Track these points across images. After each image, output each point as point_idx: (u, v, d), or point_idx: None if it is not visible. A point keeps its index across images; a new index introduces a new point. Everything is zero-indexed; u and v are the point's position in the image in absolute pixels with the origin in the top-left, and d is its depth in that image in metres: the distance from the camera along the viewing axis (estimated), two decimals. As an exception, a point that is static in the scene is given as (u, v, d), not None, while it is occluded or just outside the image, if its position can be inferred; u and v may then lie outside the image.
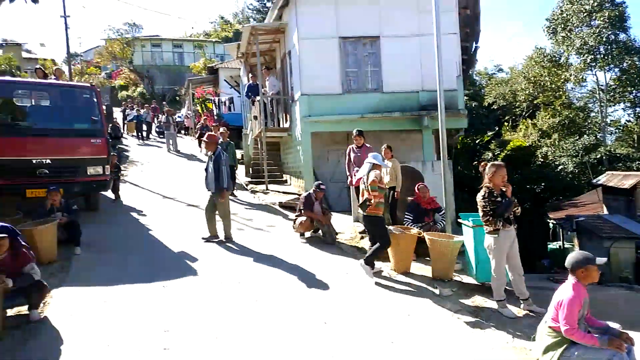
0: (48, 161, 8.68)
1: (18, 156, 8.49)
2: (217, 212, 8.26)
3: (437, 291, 6.14)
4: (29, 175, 8.53)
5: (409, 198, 8.27)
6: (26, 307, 5.12)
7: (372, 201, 6.33)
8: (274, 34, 14.01)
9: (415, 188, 8.03)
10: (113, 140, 11.56)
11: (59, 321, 5.03)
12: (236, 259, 7.34)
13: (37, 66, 13.12)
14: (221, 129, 11.46)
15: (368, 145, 8.77)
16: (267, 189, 13.01)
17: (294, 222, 8.60)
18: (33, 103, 9.53)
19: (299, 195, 10.76)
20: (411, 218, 7.83)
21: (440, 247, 6.61)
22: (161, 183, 14.02)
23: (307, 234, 8.65)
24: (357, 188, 8.55)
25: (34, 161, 8.59)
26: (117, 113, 26.52)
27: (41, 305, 5.29)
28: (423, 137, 11.85)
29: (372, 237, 6.74)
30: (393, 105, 11.89)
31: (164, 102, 31.79)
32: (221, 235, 8.33)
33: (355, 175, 8.60)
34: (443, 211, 7.76)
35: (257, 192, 12.69)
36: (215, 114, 23.66)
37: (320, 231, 8.64)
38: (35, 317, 5.05)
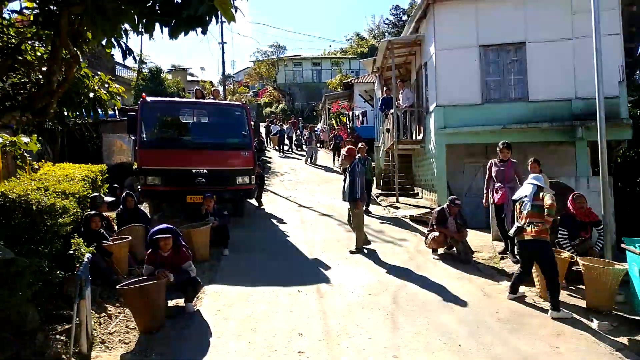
0: (205, 171, 9.62)
1: (181, 166, 9.57)
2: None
3: (593, 324, 5.39)
4: (189, 183, 9.53)
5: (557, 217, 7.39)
6: (183, 300, 5.69)
7: (540, 224, 5.70)
8: (410, 47, 13.93)
9: (570, 198, 7.04)
10: (257, 152, 12.54)
11: (209, 315, 5.54)
12: (367, 270, 7.34)
13: (197, 87, 14.87)
14: (359, 145, 11.63)
15: (513, 159, 8.03)
16: (397, 202, 12.82)
17: (426, 237, 8.34)
18: (194, 120, 10.76)
19: (432, 209, 10.45)
20: (566, 234, 6.94)
21: (598, 275, 5.80)
22: (298, 193, 14.76)
23: (440, 251, 8.33)
24: (500, 206, 7.86)
25: (194, 171, 9.60)
26: (261, 128, 28.74)
27: (195, 299, 5.86)
28: (576, 150, 10.65)
29: (525, 263, 6.00)
30: (540, 115, 10.92)
31: (300, 118, 33.59)
32: (353, 245, 8.41)
33: (497, 193, 7.85)
34: (601, 226, 6.77)
35: (388, 205, 12.53)
36: (348, 127, 24.27)
37: (454, 248, 8.21)
38: (190, 309, 5.61)
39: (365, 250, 8.36)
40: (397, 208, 12.12)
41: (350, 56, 45.90)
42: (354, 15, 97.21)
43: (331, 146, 21.76)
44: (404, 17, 44.15)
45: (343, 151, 9.10)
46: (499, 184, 7.80)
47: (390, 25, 48.10)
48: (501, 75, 11.41)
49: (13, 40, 5.38)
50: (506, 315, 5.65)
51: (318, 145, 26.93)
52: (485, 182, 8.19)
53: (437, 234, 8.09)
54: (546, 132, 10.85)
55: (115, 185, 10.42)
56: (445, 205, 8.34)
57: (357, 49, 47.31)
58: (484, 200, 8.21)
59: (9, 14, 5.52)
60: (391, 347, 4.77)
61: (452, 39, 11.51)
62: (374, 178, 14.51)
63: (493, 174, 7.97)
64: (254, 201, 12.25)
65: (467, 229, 8.38)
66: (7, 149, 8.26)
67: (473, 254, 8.14)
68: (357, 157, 8.93)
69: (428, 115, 12.65)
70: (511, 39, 11.25)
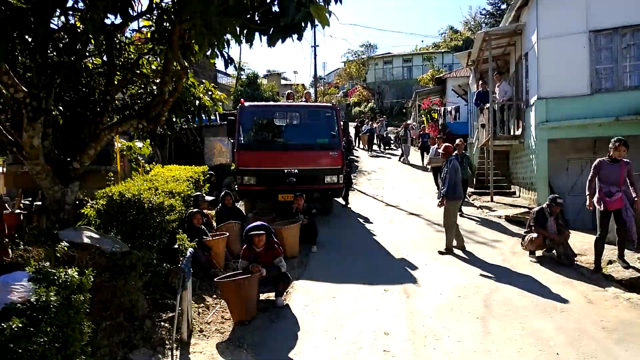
0: (296, 171, 9.96)
1: (274, 167, 9.99)
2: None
3: None
4: (281, 182, 9.92)
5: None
6: (273, 294, 5.99)
7: None
8: (508, 37, 13.21)
9: None
10: (345, 152, 12.66)
11: (297, 309, 5.78)
12: (457, 272, 7.16)
13: (289, 91, 15.40)
14: (457, 141, 11.16)
15: (626, 159, 7.00)
16: (491, 201, 12.24)
17: (523, 239, 7.91)
18: (287, 122, 11.11)
19: (529, 209, 9.80)
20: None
21: None
22: (385, 191, 14.63)
23: (539, 253, 7.83)
24: (611, 212, 6.94)
25: (285, 171, 9.97)
26: (350, 128, 28.77)
27: (285, 293, 6.14)
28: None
29: None
30: (659, 105, 9.63)
31: (384, 116, 33.06)
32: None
33: (609, 197, 6.87)
34: None
35: (482, 205, 11.96)
36: (440, 123, 23.47)
37: (554, 251, 7.71)
38: (279, 303, 5.89)
39: (456, 252, 8.09)
40: (492, 208, 11.53)
41: (443, 50, 44.41)
42: (448, 8, 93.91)
43: (419, 144, 21.10)
44: (503, 6, 41.70)
45: (436, 148, 8.83)
46: (613, 187, 6.89)
47: (487, 16, 45.77)
48: (614, 62, 10.39)
49: (132, 56, 6.06)
50: (613, 324, 5.17)
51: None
52: (588, 182, 7.27)
53: (535, 235, 7.63)
54: (668, 123, 9.57)
55: (211, 172, 11.15)
56: (545, 205, 7.81)
57: (451, 42, 45.63)
58: (587, 203, 7.31)
59: (130, 32, 6.22)
60: (481, 351, 4.62)
61: (557, 26, 10.72)
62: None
63: (602, 175, 7.02)
64: (341, 200, 12.37)
65: (569, 230, 7.82)
66: (125, 152, 9.35)
67: (576, 257, 7.55)
68: (454, 153, 8.74)
69: (528, 109, 11.94)
70: (628, 20, 10.17)
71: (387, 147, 25.76)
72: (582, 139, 10.82)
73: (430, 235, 9.31)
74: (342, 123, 10.81)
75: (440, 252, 8.14)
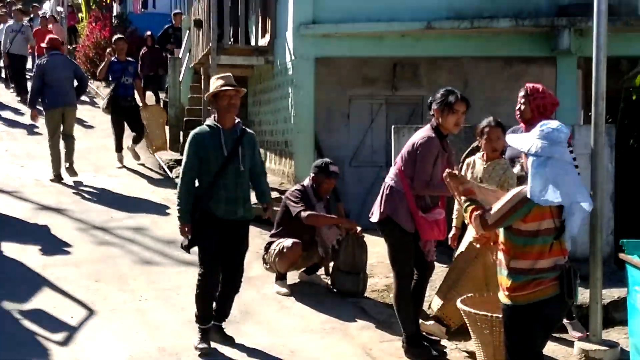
0: None
1: None
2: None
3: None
4: None
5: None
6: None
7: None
8: None
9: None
10: None
11: None
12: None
13: None
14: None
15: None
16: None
17: (267, 252, 5.72)
18: None
19: (282, 191, 7.78)
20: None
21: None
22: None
23: (295, 276, 5.91)
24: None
25: None
26: None
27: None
28: (557, 73, 8.51)
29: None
30: (496, 5, 8.50)
31: None
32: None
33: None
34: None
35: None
36: (113, 15, 17.55)
37: (322, 269, 6.05)
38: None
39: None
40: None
41: None
42: None
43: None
44: None
45: None
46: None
47: None
48: None
49: None
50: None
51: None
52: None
53: (289, 242, 5.44)
54: (505, 38, 8.60)
55: None
56: (308, 181, 5.82)
57: None
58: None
59: None
60: None
61: None
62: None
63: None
64: None
65: (357, 225, 6.07)
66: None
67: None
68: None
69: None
70: None
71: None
72: (375, 61, 8.82)
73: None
74: None
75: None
